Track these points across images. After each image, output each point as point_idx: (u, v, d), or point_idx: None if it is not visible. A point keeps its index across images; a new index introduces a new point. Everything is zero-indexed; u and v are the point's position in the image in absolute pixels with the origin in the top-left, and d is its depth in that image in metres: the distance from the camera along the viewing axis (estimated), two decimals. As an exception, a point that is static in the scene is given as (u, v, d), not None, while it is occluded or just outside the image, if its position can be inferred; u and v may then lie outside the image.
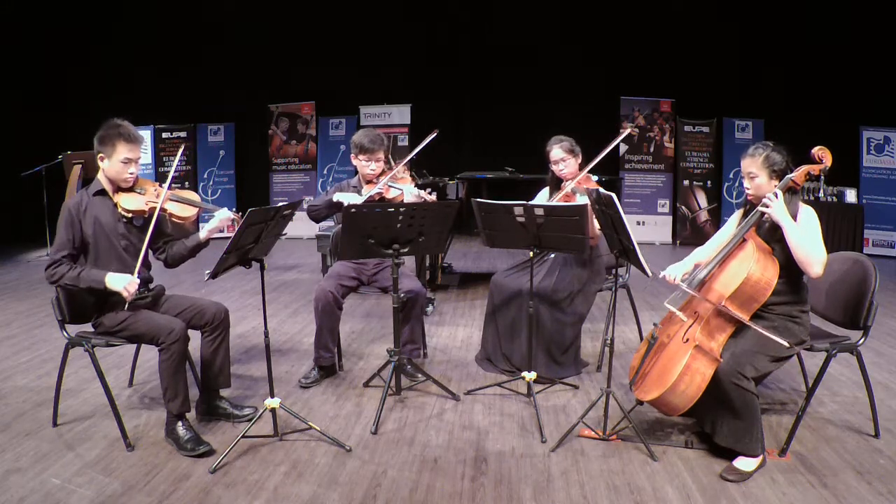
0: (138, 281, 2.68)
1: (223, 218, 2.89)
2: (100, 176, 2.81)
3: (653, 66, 8.46)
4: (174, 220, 2.85)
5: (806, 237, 2.51)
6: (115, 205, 2.79)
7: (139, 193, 2.83)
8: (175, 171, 3.01)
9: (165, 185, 2.84)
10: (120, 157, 2.73)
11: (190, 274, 5.74)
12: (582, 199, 3.45)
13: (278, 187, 9.33)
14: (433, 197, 3.48)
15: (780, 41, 8.07)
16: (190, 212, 2.86)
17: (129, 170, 2.77)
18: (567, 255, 3.58)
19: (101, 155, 2.75)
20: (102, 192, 2.81)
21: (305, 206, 3.61)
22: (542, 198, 3.76)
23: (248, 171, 9.40)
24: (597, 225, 3.16)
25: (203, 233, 2.90)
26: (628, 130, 3.62)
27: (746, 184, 2.69)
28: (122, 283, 2.64)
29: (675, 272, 2.75)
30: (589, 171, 3.60)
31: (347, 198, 3.43)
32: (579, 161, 3.60)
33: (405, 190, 3.51)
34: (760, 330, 2.49)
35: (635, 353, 2.92)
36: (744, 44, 8.21)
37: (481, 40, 8.94)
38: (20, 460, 2.63)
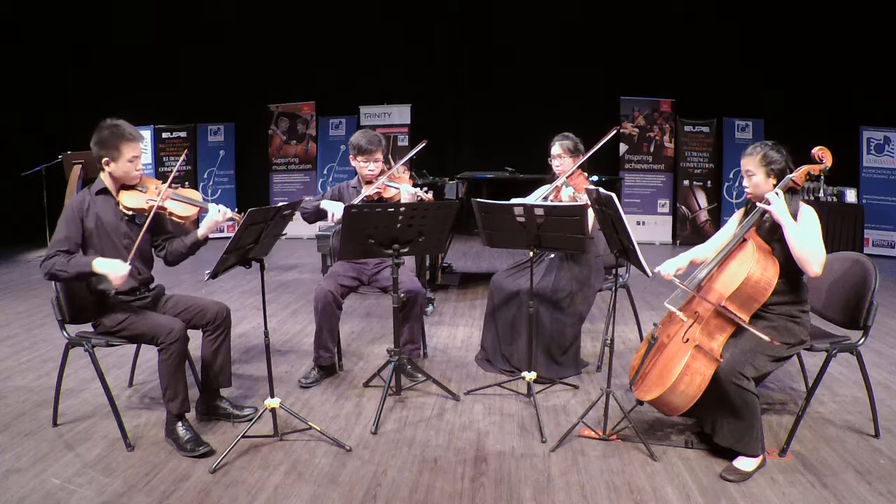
0: (128, 268, 2.63)
1: (215, 217, 2.85)
2: (102, 176, 2.82)
3: (653, 66, 8.46)
4: (174, 218, 2.85)
5: (806, 237, 2.51)
6: (118, 203, 2.80)
7: (141, 192, 2.84)
8: (176, 172, 3.00)
9: (166, 184, 2.84)
10: (126, 158, 2.75)
11: (190, 274, 5.73)
12: (567, 192, 3.49)
13: (278, 187, 9.33)
14: (430, 196, 3.50)
15: (780, 41, 8.07)
16: (190, 211, 2.85)
17: (136, 167, 2.80)
18: (566, 255, 3.58)
19: (105, 160, 2.74)
20: (105, 191, 2.81)
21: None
22: (539, 194, 3.76)
23: (248, 171, 9.39)
24: (590, 222, 3.18)
25: (201, 230, 2.89)
26: (614, 131, 3.63)
27: (745, 182, 2.71)
28: (111, 267, 2.60)
29: (669, 268, 2.76)
30: (588, 171, 3.61)
31: (334, 207, 3.50)
32: (578, 161, 3.61)
33: (402, 188, 3.52)
34: (756, 332, 2.49)
35: (635, 353, 2.92)
36: (744, 44, 8.21)
37: (481, 40, 8.94)
38: (20, 460, 2.63)
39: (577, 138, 3.68)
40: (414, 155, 3.74)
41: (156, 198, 2.80)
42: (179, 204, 2.84)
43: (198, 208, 2.87)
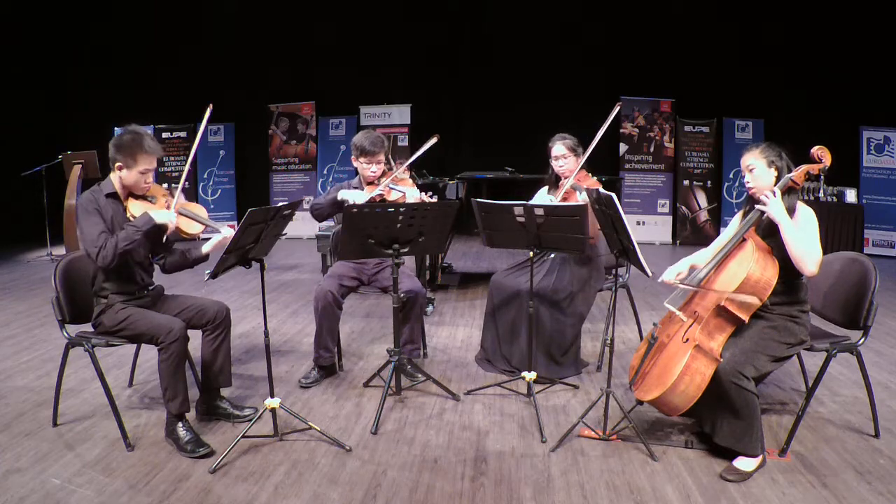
0: (175, 216, 2.75)
1: (224, 239, 2.83)
2: (113, 178, 2.80)
3: (653, 66, 8.46)
4: (181, 234, 2.84)
5: (802, 235, 2.51)
6: (125, 209, 2.79)
7: (150, 202, 2.83)
8: (185, 182, 2.98)
9: (174, 199, 2.83)
10: (139, 169, 2.74)
11: (190, 274, 5.69)
12: (582, 197, 3.47)
13: (278, 187, 9.33)
14: (434, 200, 3.49)
15: (780, 41, 8.07)
16: (197, 228, 2.85)
17: (146, 179, 2.79)
18: (567, 255, 3.58)
19: (118, 164, 2.74)
20: (114, 196, 2.80)
21: (307, 205, 3.64)
22: (541, 197, 3.77)
23: (248, 171, 9.40)
24: (596, 224, 3.17)
25: (206, 248, 2.90)
26: (617, 108, 3.59)
27: (747, 178, 2.69)
28: (166, 216, 2.72)
29: (670, 275, 2.75)
30: (588, 170, 3.61)
31: (351, 195, 3.43)
32: (580, 161, 3.61)
33: (407, 192, 3.51)
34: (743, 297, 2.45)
35: (635, 353, 2.92)
36: (744, 44, 8.21)
37: (481, 40, 8.94)
38: (20, 460, 2.63)
39: (575, 137, 3.69)
40: (424, 152, 3.55)
41: (166, 211, 2.79)
42: (188, 220, 2.83)
43: (204, 226, 2.87)
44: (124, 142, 2.72)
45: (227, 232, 2.85)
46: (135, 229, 2.65)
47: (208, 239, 2.95)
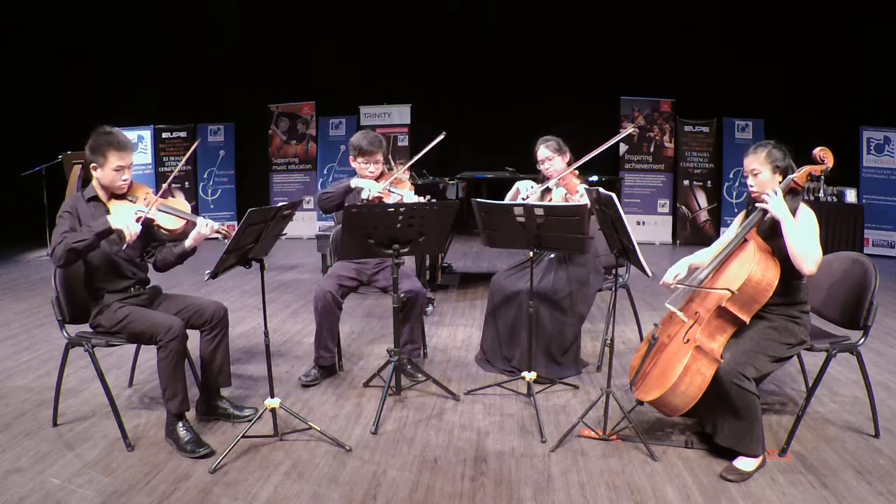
0: (140, 228, 2.67)
1: (202, 231, 2.82)
2: (94, 182, 2.83)
3: (653, 66, 8.46)
4: (162, 230, 2.82)
5: (802, 234, 2.51)
6: (108, 211, 2.79)
7: (130, 202, 2.83)
8: (175, 175, 2.97)
9: (158, 195, 2.83)
10: (112, 166, 2.74)
11: (190, 274, 5.72)
12: (559, 193, 3.47)
13: (278, 187, 9.33)
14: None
15: (780, 41, 8.07)
16: (177, 224, 2.82)
17: (122, 177, 2.78)
18: (564, 255, 3.58)
19: (93, 164, 2.77)
20: (96, 199, 2.82)
21: (307, 205, 3.65)
22: (523, 186, 3.70)
23: (248, 171, 9.39)
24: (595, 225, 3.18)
25: (188, 241, 2.89)
26: (629, 130, 3.60)
27: (750, 181, 2.68)
28: (125, 222, 2.63)
29: (668, 276, 2.76)
30: (587, 171, 3.61)
31: (365, 184, 3.47)
32: (566, 160, 3.61)
33: (405, 196, 3.50)
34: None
35: (635, 354, 2.92)
36: (744, 44, 8.21)
37: (481, 40, 8.95)
38: (20, 460, 2.63)
39: (558, 137, 3.68)
40: (433, 147, 3.58)
41: (145, 208, 2.77)
42: (168, 216, 2.81)
43: (185, 221, 2.84)
44: (95, 141, 2.74)
45: (200, 225, 2.81)
46: (89, 230, 2.62)
47: None
